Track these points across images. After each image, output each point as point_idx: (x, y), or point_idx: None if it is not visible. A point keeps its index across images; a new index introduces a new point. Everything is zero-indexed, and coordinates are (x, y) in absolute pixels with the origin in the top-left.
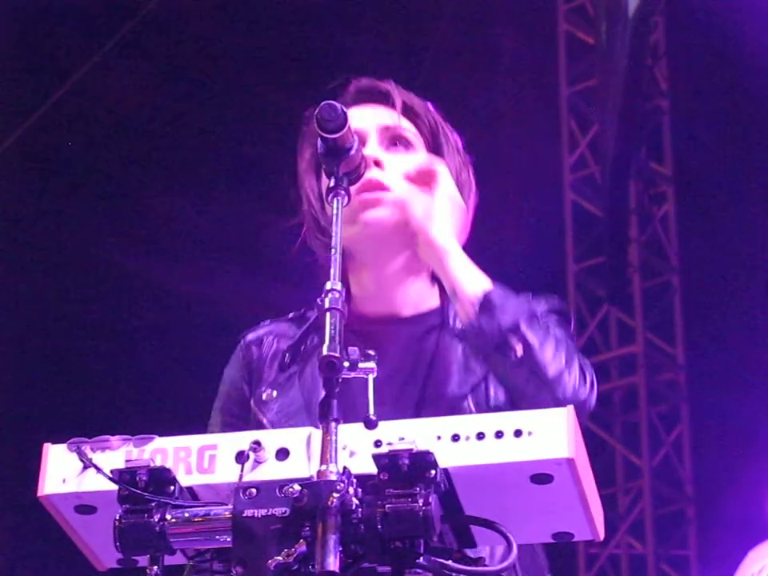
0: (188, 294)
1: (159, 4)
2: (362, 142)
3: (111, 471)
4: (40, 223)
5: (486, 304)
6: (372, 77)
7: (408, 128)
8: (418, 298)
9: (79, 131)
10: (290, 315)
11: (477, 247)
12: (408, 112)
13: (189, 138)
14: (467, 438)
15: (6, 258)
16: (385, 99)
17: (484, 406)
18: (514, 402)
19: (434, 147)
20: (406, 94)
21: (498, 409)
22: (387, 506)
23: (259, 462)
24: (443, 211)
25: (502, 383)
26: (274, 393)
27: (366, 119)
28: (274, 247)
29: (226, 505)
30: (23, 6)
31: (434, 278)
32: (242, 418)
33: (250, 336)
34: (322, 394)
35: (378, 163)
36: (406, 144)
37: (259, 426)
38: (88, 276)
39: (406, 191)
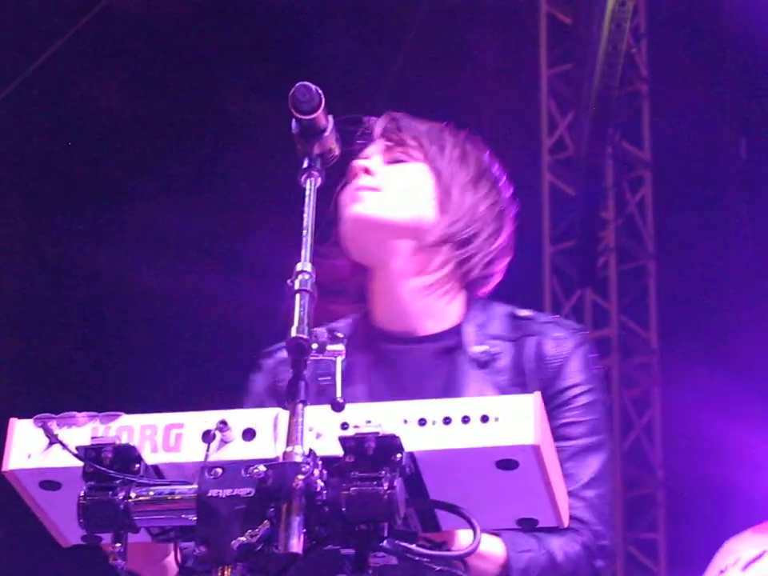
0: (164, 293)
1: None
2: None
3: (76, 448)
4: (18, 225)
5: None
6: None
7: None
8: (436, 311)
9: (53, 132)
10: None
11: None
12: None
13: (159, 137)
14: (434, 423)
15: None
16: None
17: None
18: None
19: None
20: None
21: None
22: (352, 488)
23: (225, 442)
24: None
25: None
26: None
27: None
28: (253, 250)
29: (191, 484)
30: None
31: (456, 295)
32: None
33: (279, 355)
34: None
35: (366, 170)
36: (401, 160)
37: None
38: (64, 274)
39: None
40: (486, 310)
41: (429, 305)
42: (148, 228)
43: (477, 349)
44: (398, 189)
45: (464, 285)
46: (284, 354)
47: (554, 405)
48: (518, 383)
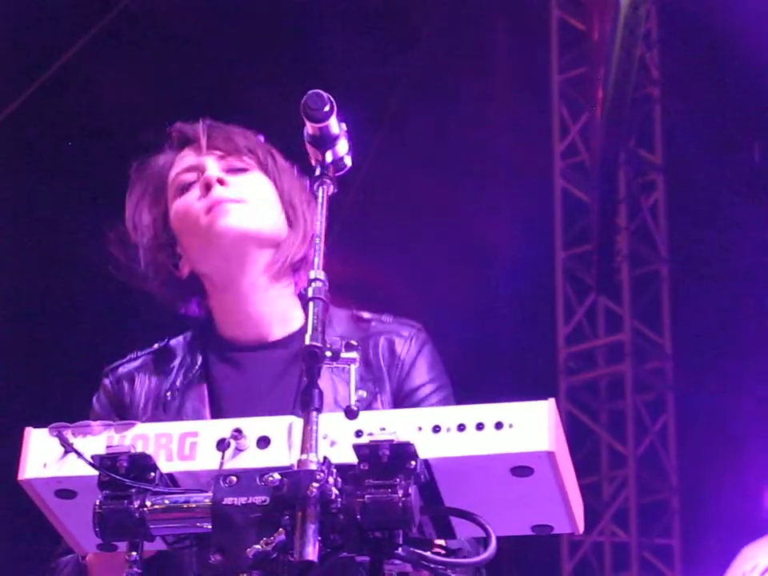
0: None
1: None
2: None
3: (92, 456)
4: (22, 218)
5: None
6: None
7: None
8: (283, 316)
9: (56, 125)
10: (155, 347)
11: (468, 235)
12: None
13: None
14: (448, 430)
15: None
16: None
17: None
18: None
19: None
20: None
21: None
22: (367, 496)
23: (240, 450)
24: None
25: None
26: None
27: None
28: None
29: (206, 492)
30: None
31: (300, 296)
32: None
33: (120, 371)
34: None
35: (221, 181)
36: (243, 169)
37: None
38: (66, 267)
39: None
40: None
41: (277, 311)
42: None
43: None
44: (258, 200)
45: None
46: (125, 368)
47: (408, 405)
48: (370, 379)
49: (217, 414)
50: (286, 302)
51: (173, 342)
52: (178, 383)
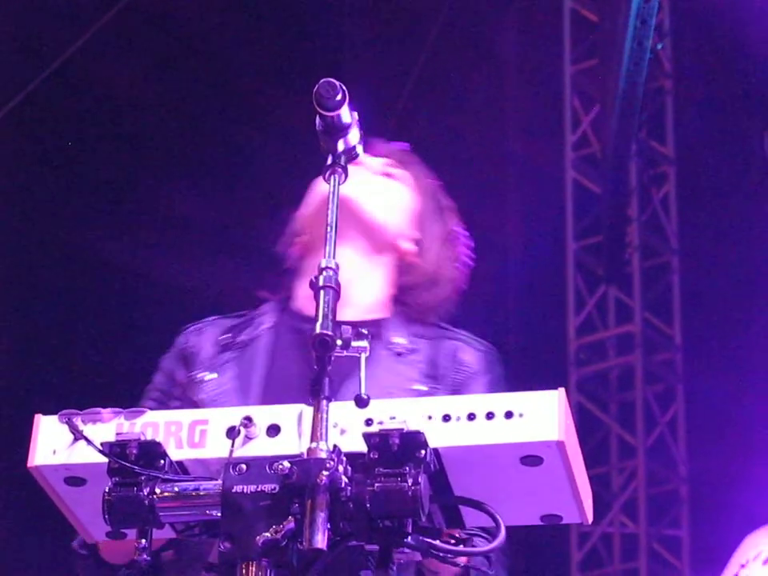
0: (174, 281)
1: None
2: None
3: (102, 444)
4: (28, 210)
5: None
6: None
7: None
8: (363, 305)
9: (68, 117)
10: (238, 314)
11: (479, 226)
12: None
13: (181, 126)
14: (458, 419)
15: None
16: None
17: None
18: None
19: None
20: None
21: None
22: (376, 484)
23: (250, 438)
24: None
25: None
26: (211, 375)
27: None
28: (265, 238)
29: (216, 480)
30: None
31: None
32: (171, 397)
33: (191, 328)
34: (257, 374)
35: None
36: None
37: (191, 405)
38: (76, 261)
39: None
40: (410, 318)
41: (361, 294)
42: (173, 220)
43: (396, 340)
44: (384, 194)
45: (401, 300)
46: (196, 325)
47: None
48: (431, 376)
49: (269, 371)
50: (376, 295)
51: (256, 311)
52: (242, 337)
